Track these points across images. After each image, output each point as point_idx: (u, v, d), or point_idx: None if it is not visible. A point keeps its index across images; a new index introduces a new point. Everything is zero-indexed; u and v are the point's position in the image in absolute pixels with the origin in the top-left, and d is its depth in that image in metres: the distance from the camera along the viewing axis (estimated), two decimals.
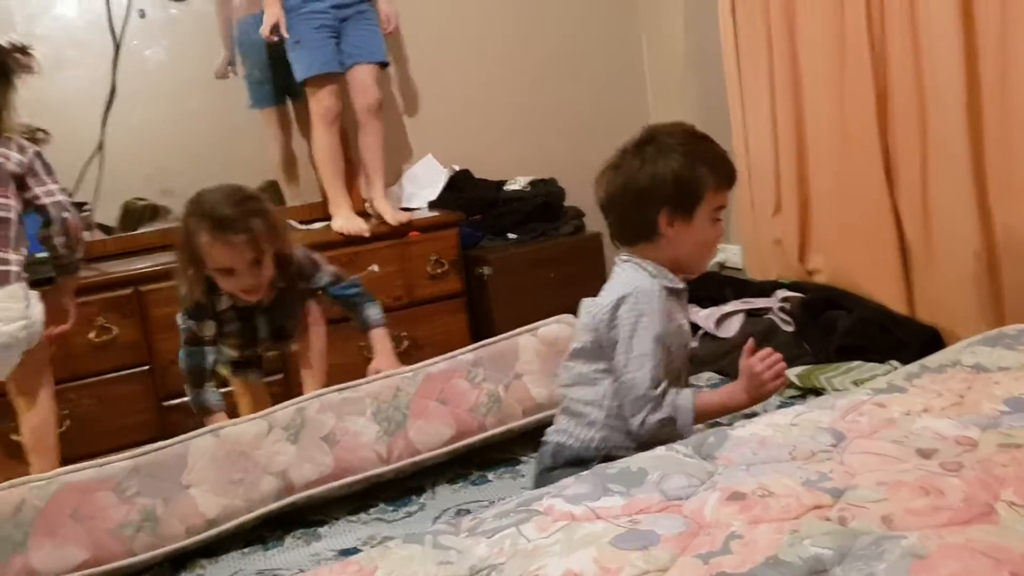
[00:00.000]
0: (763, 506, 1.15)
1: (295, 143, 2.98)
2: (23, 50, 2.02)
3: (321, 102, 2.69)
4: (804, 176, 2.86)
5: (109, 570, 1.62)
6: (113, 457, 1.73)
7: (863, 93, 2.56)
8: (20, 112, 2.02)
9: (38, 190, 1.98)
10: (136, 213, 2.83)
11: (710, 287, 3.12)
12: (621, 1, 3.51)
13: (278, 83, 2.87)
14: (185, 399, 2.45)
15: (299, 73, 2.68)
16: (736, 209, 3.15)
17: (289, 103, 2.96)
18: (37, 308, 1.93)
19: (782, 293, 2.83)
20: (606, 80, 3.52)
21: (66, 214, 2.02)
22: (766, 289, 2.92)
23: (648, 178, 1.61)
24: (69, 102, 2.71)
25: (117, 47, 2.73)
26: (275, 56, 2.78)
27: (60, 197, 2.02)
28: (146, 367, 2.44)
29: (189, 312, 2.01)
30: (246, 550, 1.71)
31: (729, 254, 3.34)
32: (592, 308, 1.66)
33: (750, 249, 3.14)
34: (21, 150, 1.97)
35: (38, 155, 2.01)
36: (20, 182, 1.95)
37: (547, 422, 2.04)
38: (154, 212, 2.85)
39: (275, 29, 2.62)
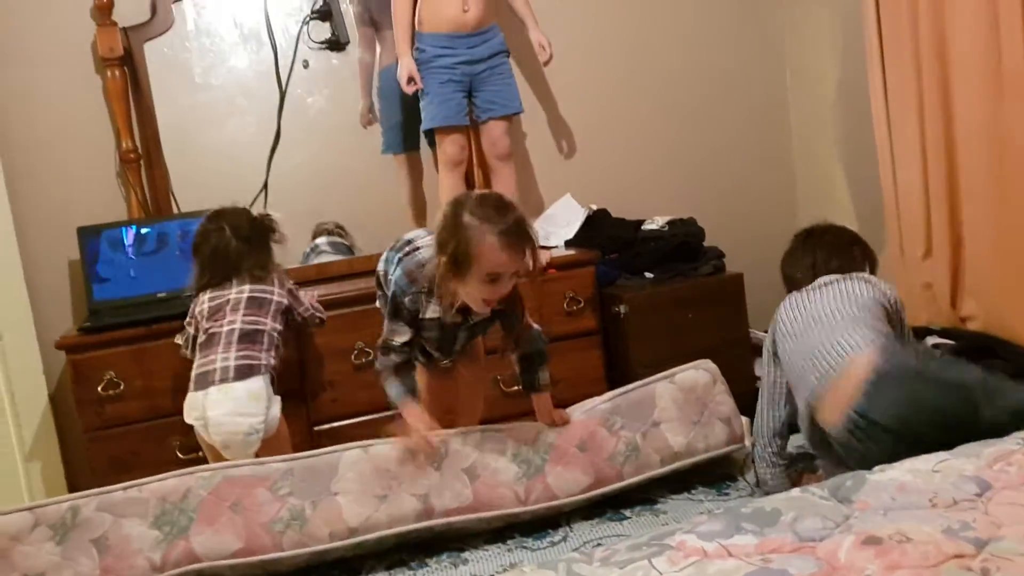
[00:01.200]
0: (900, 552, 1.13)
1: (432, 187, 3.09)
2: (269, 217, 2.48)
3: (445, 151, 2.81)
4: (956, 217, 2.75)
5: (259, 561, 1.74)
6: (271, 458, 1.87)
7: (1022, 128, 2.46)
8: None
9: (299, 311, 2.45)
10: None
11: None
12: (765, 38, 3.50)
13: (413, 130, 3.00)
14: (334, 424, 2.60)
15: (425, 123, 2.81)
16: (884, 251, 3.06)
17: (422, 148, 3.08)
18: (276, 407, 2.25)
19: (932, 340, 2.73)
20: (748, 119, 3.50)
21: (318, 316, 2.52)
22: (916, 335, 2.82)
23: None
24: (239, 145, 2.93)
25: (283, 95, 2.93)
26: (411, 104, 2.92)
27: (310, 309, 2.49)
28: (299, 393, 2.58)
29: (395, 313, 2.05)
30: (392, 571, 1.79)
31: None
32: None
33: (899, 293, 3.03)
34: (281, 285, 2.40)
35: (290, 289, 2.45)
36: (286, 309, 2.39)
37: (684, 470, 2.04)
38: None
39: (411, 80, 2.75)
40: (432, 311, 2.01)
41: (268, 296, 2.35)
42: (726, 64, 3.45)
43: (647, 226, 3.07)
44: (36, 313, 2.68)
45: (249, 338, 2.25)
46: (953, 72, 2.67)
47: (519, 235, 1.88)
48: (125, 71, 2.82)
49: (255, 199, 2.90)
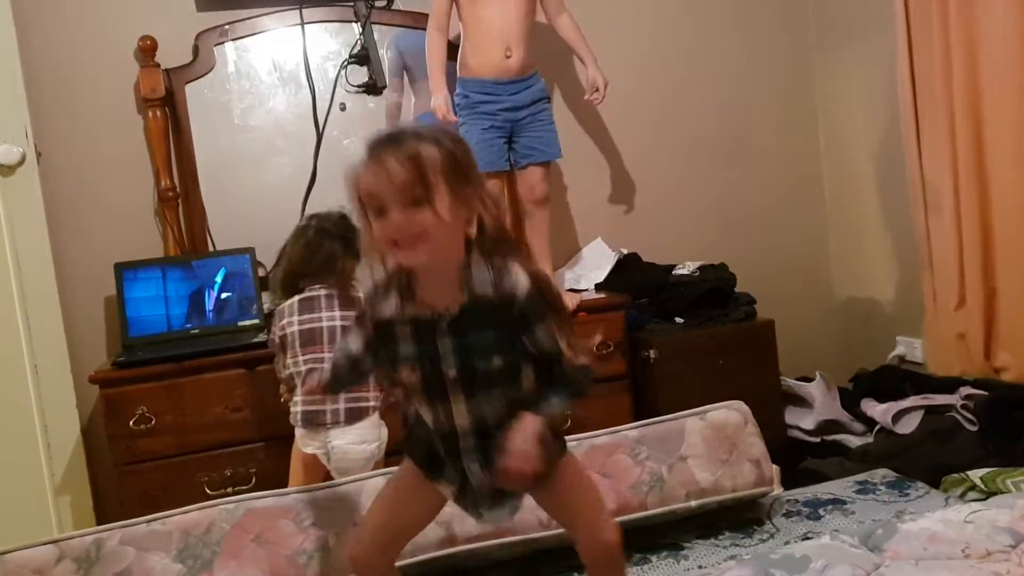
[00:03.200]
0: None
1: None
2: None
3: None
4: (990, 268, 2.73)
5: None
6: (293, 488, 1.89)
7: None
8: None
9: None
10: None
11: (888, 381, 3.01)
12: (797, 85, 3.52)
13: None
14: None
15: None
16: (916, 301, 3.04)
17: None
18: (385, 430, 2.30)
19: (965, 390, 2.69)
20: (779, 165, 3.50)
21: None
22: (948, 385, 2.79)
23: None
24: (276, 185, 2.97)
25: (319, 137, 2.98)
26: None
27: None
28: None
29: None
30: None
31: (909, 348, 3.21)
32: None
33: (931, 343, 3.01)
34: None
35: None
36: None
37: (711, 509, 2.02)
38: None
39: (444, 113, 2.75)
40: (392, 306, 1.42)
41: None
42: (759, 112, 3.47)
43: (678, 271, 3.07)
44: (71, 347, 2.72)
45: None
46: (987, 126, 2.67)
47: (384, 142, 1.35)
48: (166, 111, 2.88)
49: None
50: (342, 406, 2.24)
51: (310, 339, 2.27)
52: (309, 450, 2.26)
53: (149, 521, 1.79)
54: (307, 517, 1.81)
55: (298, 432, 2.28)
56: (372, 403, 2.28)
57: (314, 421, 2.24)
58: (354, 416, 2.24)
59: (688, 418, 2.08)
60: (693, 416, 2.08)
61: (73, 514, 2.69)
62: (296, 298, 2.33)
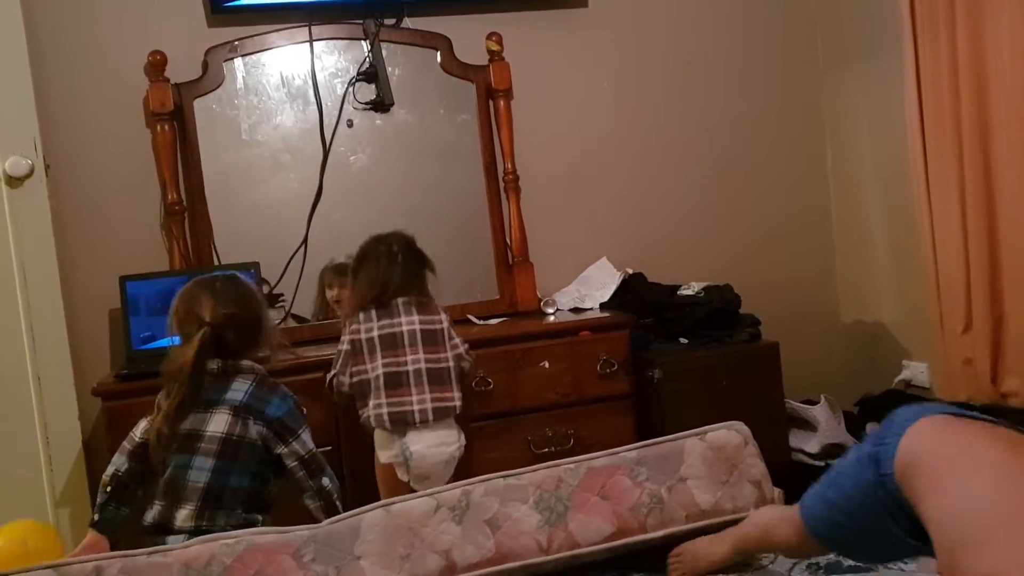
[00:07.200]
0: None
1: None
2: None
3: None
4: (998, 291, 2.72)
5: None
6: (294, 526, 1.86)
7: None
8: None
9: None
10: None
11: (894, 405, 2.96)
12: (805, 107, 3.52)
13: None
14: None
15: None
16: (923, 325, 3.02)
17: None
18: (463, 435, 2.37)
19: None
20: (787, 186, 3.50)
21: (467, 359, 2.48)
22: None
23: None
24: (281, 200, 2.98)
25: (326, 153, 2.99)
26: None
27: (460, 346, 2.44)
28: (329, 447, 2.57)
29: None
30: None
31: (915, 372, 3.19)
32: None
33: (937, 368, 2.99)
34: (441, 312, 2.43)
35: (448, 317, 2.45)
36: (450, 335, 2.41)
37: (713, 530, 2.00)
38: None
39: None
40: None
41: (439, 327, 2.39)
42: (767, 134, 3.48)
43: (682, 291, 3.06)
44: (75, 359, 2.72)
45: (437, 378, 2.31)
46: (994, 148, 2.66)
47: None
48: (174, 125, 2.89)
49: (294, 253, 2.94)
50: (429, 405, 2.26)
51: (391, 343, 2.31)
52: (384, 458, 2.26)
53: (150, 553, 1.78)
54: (308, 553, 1.79)
55: (377, 438, 2.29)
56: (456, 403, 2.30)
57: (403, 421, 2.25)
58: (441, 415, 2.26)
59: (688, 439, 2.06)
60: (693, 437, 2.06)
61: (73, 527, 2.68)
62: (373, 306, 2.37)
